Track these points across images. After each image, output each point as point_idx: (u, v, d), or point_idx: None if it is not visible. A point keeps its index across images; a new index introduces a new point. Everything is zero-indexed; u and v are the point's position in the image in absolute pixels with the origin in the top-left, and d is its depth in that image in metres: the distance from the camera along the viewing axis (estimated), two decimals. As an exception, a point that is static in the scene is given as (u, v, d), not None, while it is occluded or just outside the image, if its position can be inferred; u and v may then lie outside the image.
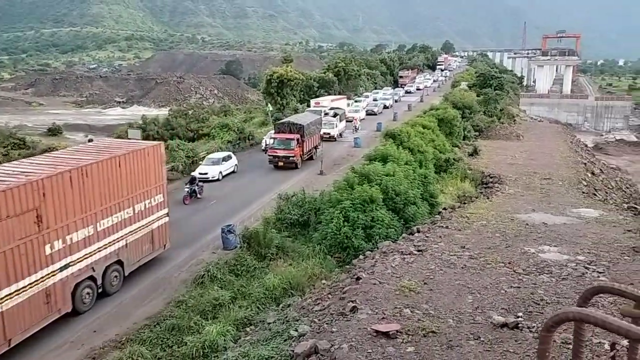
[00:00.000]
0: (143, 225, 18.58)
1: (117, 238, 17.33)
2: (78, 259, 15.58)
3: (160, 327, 15.06)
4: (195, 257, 20.33)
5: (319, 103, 52.11)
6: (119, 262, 17.57)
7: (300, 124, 34.43)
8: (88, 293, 16.26)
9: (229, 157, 33.84)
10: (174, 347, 14.20)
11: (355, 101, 64.43)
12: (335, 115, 44.83)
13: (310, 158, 36.20)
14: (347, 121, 48.67)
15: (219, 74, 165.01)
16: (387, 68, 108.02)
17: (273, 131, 37.26)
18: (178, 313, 15.64)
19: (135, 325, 15.40)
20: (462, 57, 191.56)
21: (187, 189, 27.84)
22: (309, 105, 62.90)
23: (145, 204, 18.57)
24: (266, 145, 38.03)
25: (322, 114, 45.14)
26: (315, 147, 37.03)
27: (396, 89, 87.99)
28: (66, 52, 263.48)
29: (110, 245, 17.00)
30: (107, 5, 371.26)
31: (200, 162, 33.73)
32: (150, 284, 18.29)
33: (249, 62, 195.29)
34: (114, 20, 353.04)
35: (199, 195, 28.20)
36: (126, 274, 17.97)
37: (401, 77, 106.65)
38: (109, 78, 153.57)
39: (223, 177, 32.32)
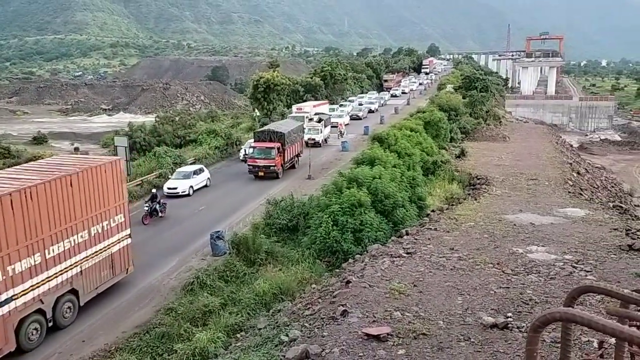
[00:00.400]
0: (101, 250, 16.95)
1: (70, 265, 15.63)
2: (22, 291, 13.90)
3: (150, 335, 14.95)
4: (184, 264, 20.21)
5: (301, 109, 51.28)
6: (73, 292, 15.91)
7: (280, 132, 33.36)
8: (36, 329, 14.59)
9: (201, 170, 31.95)
10: (164, 355, 14.11)
11: (340, 105, 64.10)
12: (319, 120, 44.05)
13: (292, 167, 35.21)
14: (332, 127, 48.05)
15: (206, 79, 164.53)
16: (373, 72, 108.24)
17: (252, 140, 35.93)
18: (168, 321, 15.53)
19: (125, 334, 15.27)
20: (447, 60, 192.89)
21: (146, 207, 25.21)
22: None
23: (103, 226, 16.94)
24: (245, 154, 36.56)
25: (307, 119, 45.01)
26: (297, 156, 36.28)
27: (381, 92, 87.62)
28: (50, 60, 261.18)
29: (62, 274, 15.29)
30: (91, 12, 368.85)
31: (170, 176, 31.90)
32: (138, 292, 18.14)
33: (235, 68, 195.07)
34: (99, 27, 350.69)
35: (161, 214, 25.67)
36: (82, 303, 16.27)
37: (386, 80, 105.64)
38: (94, 85, 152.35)
39: (194, 191, 30.37)
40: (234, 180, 33.53)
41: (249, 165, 33.07)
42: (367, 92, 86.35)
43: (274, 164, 32.17)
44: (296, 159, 36.09)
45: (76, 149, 61.14)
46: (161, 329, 15.12)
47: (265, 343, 11.54)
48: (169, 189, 29.70)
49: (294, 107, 52.86)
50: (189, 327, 15.06)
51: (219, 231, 21.45)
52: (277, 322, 12.82)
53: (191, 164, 35.38)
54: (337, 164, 34.73)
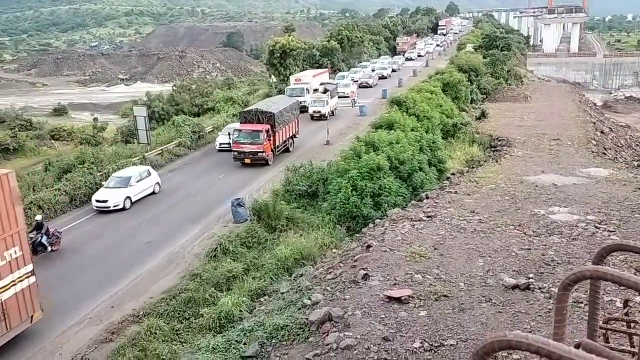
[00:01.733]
0: None
1: None
2: None
3: (177, 301, 15.35)
4: (207, 231, 20.55)
5: (300, 80, 46.61)
6: None
7: (270, 112, 29.23)
8: None
9: (147, 174, 25.29)
10: (191, 319, 14.51)
11: (350, 72, 61.07)
12: (325, 91, 40.60)
13: (287, 150, 31.36)
14: (340, 97, 44.99)
15: (221, 46, 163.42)
16: (390, 33, 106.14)
17: (232, 125, 33.02)
18: (193, 286, 15.91)
19: (152, 300, 15.69)
20: (467, 18, 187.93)
21: (30, 237, 17.87)
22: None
23: None
24: (221, 144, 32.61)
25: (311, 90, 42.49)
26: (292, 137, 32.57)
27: (395, 57, 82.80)
28: (66, 31, 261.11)
29: None
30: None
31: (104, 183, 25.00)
32: (164, 259, 18.55)
33: (250, 34, 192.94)
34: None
35: (50, 248, 19.14)
36: None
37: (399, 44, 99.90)
38: (110, 55, 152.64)
39: (133, 203, 23.90)
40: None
41: (233, 151, 29.02)
42: (380, 56, 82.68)
43: (262, 150, 28.18)
44: (290, 141, 32.17)
45: (95, 120, 61.78)
46: (187, 294, 15.50)
47: (289, 306, 11.77)
48: (97, 201, 23.60)
49: (292, 78, 48.41)
50: (213, 292, 15.43)
51: (239, 198, 21.67)
52: (299, 286, 13.03)
53: (139, 164, 28.38)
54: (355, 129, 34.53)
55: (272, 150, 29.33)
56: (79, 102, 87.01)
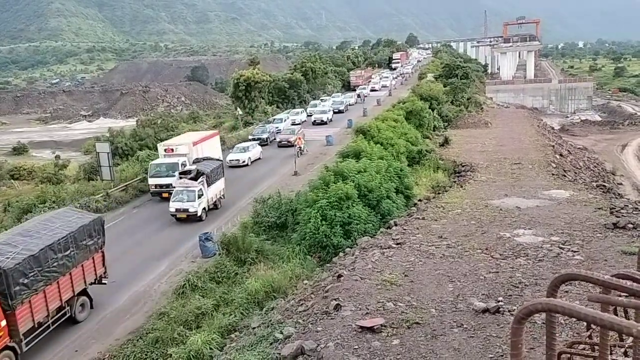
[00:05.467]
0: None
1: None
2: None
3: (144, 341, 14.86)
4: (174, 267, 20.10)
5: (171, 150, 31.10)
6: None
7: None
8: None
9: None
10: (159, 360, 14.04)
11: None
12: (198, 175, 26.56)
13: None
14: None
15: (185, 80, 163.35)
16: (353, 64, 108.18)
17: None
18: (160, 325, 15.45)
19: (118, 342, 15.16)
20: (426, 49, 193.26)
21: None
22: (278, 107, 62.42)
23: None
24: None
25: (188, 163, 29.53)
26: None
27: (345, 95, 69.82)
28: (26, 69, 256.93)
29: None
30: (65, 18, 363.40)
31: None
32: (130, 298, 18.01)
33: (214, 67, 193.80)
34: (74, 32, 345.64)
35: None
36: None
37: (353, 78, 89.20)
38: (72, 92, 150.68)
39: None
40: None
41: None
42: (325, 97, 68.52)
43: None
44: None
45: (57, 157, 60.44)
46: (154, 334, 15.03)
47: (260, 342, 11.53)
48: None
49: (160, 147, 32.40)
50: (182, 331, 15.00)
51: (207, 232, 21.36)
52: (270, 320, 12.82)
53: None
54: (322, 159, 34.71)
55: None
56: (39, 140, 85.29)
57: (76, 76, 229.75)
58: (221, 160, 30.27)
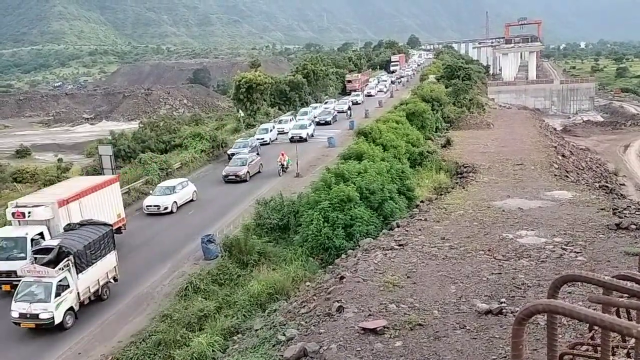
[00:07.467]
0: None
1: None
2: None
3: (147, 344, 14.88)
4: (177, 270, 20.13)
5: (21, 215, 19.58)
6: None
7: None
8: None
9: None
10: (162, 362, 14.04)
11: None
12: (60, 257, 16.65)
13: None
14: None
15: (187, 83, 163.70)
16: (355, 66, 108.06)
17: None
18: (163, 328, 15.47)
19: (121, 344, 15.19)
20: (428, 50, 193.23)
21: None
22: (280, 109, 62.36)
23: None
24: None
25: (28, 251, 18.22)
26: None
27: (340, 100, 66.31)
28: (29, 72, 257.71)
29: None
30: (68, 21, 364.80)
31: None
32: (132, 301, 18.03)
33: (216, 69, 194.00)
34: (76, 36, 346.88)
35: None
36: None
37: (349, 81, 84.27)
38: (75, 95, 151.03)
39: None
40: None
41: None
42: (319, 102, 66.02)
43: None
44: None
45: (59, 160, 60.56)
46: (157, 336, 15.06)
47: (263, 344, 11.53)
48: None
49: (9, 207, 20.71)
50: (185, 333, 15.03)
51: (209, 235, 21.40)
52: (273, 322, 12.82)
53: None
54: (324, 160, 34.71)
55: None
56: (42, 143, 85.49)
57: (79, 79, 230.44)
58: (110, 225, 19.75)
